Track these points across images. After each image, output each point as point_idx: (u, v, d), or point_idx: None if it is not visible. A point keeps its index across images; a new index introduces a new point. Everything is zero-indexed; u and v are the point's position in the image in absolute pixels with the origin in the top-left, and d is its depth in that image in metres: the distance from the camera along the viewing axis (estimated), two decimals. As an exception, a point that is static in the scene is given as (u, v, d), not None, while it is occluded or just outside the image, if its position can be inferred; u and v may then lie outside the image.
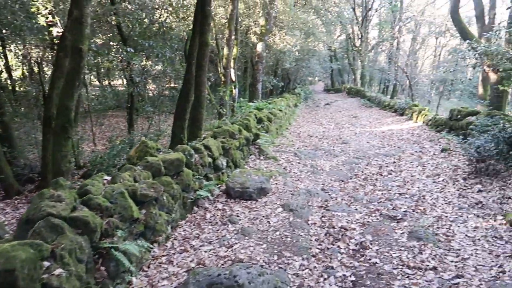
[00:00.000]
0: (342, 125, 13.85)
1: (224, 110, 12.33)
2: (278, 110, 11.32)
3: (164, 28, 11.30)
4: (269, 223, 4.50)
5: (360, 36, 33.01)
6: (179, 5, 11.45)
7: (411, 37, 29.21)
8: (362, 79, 32.61)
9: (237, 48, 12.35)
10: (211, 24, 9.19)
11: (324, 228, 4.31)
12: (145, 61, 10.99)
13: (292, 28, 15.13)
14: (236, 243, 3.92)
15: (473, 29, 15.12)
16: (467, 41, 9.00)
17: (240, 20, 15.41)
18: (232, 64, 12.56)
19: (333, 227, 4.31)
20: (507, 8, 8.93)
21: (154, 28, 11.46)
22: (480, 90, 13.53)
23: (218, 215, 4.82)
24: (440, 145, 8.97)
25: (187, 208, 4.71)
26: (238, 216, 4.75)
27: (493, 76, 9.21)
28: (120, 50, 9.56)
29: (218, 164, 5.86)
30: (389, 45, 26.76)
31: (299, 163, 7.64)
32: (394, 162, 7.62)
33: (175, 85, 14.59)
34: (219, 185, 5.69)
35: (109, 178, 3.67)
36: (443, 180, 6.27)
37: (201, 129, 8.07)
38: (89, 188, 3.18)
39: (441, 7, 32.15)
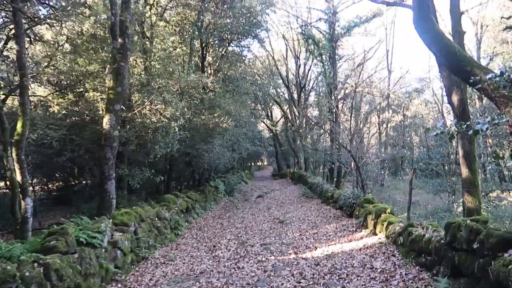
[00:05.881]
0: (250, 247, 7.71)
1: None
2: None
3: None
4: None
5: (298, 115, 29.36)
6: None
7: (353, 114, 25.63)
8: (305, 162, 28.09)
9: (24, 121, 6.45)
10: None
11: None
12: None
13: (167, 91, 9.72)
14: None
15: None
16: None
17: (67, 77, 9.91)
18: (14, 154, 6.48)
19: None
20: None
21: None
22: (464, 172, 8.39)
23: None
24: None
25: None
26: None
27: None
28: None
29: None
30: (329, 123, 22.55)
31: None
32: None
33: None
34: None
35: None
36: None
37: None
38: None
39: (380, 82, 29.94)
